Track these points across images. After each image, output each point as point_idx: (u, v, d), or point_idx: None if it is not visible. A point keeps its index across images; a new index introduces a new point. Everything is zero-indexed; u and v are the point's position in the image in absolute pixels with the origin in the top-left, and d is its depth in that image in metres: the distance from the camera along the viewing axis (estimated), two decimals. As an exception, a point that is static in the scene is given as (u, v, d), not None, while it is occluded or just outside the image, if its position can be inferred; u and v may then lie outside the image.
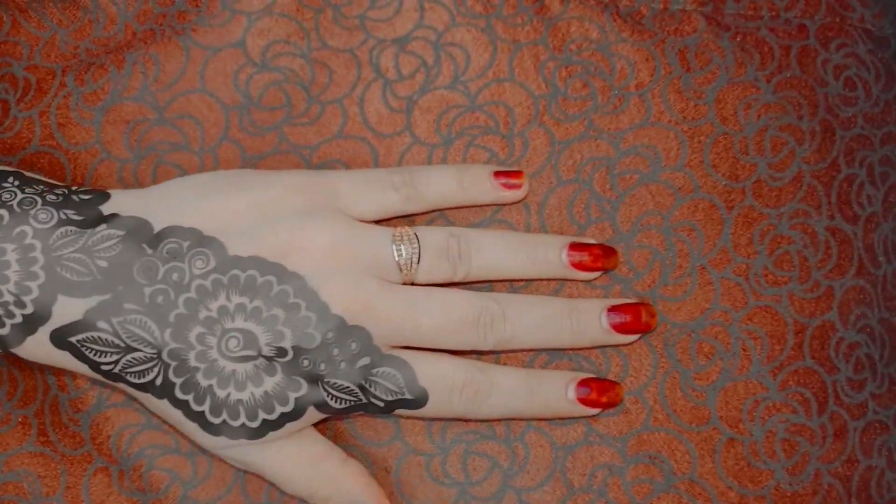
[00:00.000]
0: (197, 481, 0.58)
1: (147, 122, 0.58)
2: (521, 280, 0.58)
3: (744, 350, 0.58)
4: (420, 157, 0.58)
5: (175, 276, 0.54)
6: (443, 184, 0.57)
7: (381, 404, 0.55)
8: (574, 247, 0.57)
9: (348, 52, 0.58)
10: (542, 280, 0.58)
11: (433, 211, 0.58)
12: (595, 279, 0.58)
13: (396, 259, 0.55)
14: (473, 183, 0.57)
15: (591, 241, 0.58)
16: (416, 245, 0.56)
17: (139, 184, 0.58)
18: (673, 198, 0.58)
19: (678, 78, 0.59)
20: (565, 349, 0.57)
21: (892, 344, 0.62)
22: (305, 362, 0.55)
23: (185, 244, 0.54)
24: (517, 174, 0.57)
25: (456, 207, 0.58)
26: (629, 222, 0.58)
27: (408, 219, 0.58)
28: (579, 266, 0.57)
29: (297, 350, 0.54)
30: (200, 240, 0.54)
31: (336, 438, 0.58)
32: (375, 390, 0.55)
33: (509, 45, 0.58)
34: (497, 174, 0.57)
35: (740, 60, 0.60)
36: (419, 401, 0.55)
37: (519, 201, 0.58)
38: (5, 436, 0.60)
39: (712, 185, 0.59)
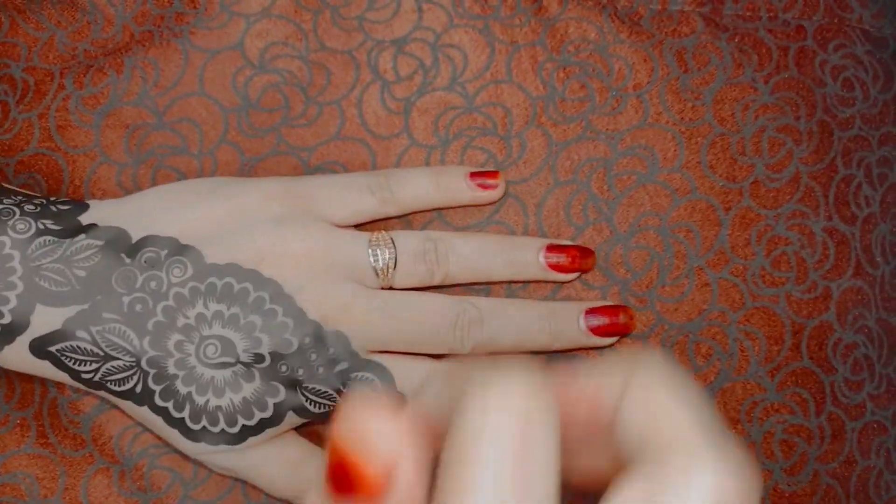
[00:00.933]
0: (198, 482, 0.58)
1: (146, 127, 0.58)
2: (503, 282, 0.58)
3: (741, 351, 0.58)
4: (418, 158, 0.58)
5: (153, 284, 0.54)
6: (418, 186, 0.57)
7: None
8: (551, 248, 0.57)
9: (346, 54, 0.58)
10: (537, 283, 0.58)
11: (411, 213, 0.58)
12: (592, 281, 0.58)
13: (373, 264, 0.56)
14: (449, 184, 0.57)
15: (568, 242, 0.57)
16: (392, 250, 0.56)
17: (138, 188, 0.58)
18: (670, 199, 0.58)
19: (676, 79, 0.59)
20: (545, 352, 0.57)
21: (890, 344, 0.62)
22: (283, 368, 0.55)
23: (163, 253, 0.55)
24: (493, 174, 0.57)
25: (436, 209, 0.58)
26: (627, 223, 0.58)
27: (404, 220, 0.58)
28: (556, 268, 0.57)
29: (275, 356, 0.55)
30: (178, 248, 0.55)
31: (334, 439, 0.58)
32: None
33: (507, 47, 0.58)
34: (473, 175, 0.57)
35: (738, 61, 0.59)
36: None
37: (495, 201, 0.58)
38: (3, 437, 0.60)
39: (710, 186, 0.59)
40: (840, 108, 0.61)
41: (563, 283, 0.58)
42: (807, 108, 0.60)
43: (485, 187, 0.57)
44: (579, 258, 0.57)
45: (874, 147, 0.62)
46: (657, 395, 0.36)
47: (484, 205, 0.58)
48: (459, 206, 0.58)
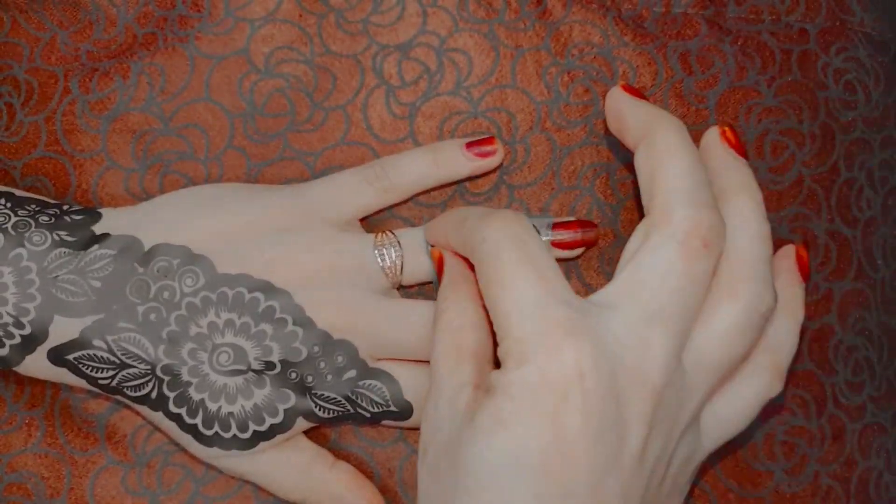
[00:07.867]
0: (209, 478, 0.59)
1: (153, 133, 0.58)
2: None
3: (744, 354, 0.59)
4: (423, 162, 0.58)
5: (166, 294, 0.55)
6: (416, 167, 0.57)
7: (368, 415, 0.56)
8: (556, 226, 0.57)
9: (351, 58, 0.58)
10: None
11: (413, 197, 0.58)
12: (595, 284, 0.58)
13: (381, 265, 0.56)
14: (448, 159, 0.57)
15: (571, 218, 0.57)
16: (398, 248, 0.56)
17: (146, 193, 0.58)
18: (674, 202, 0.59)
19: (680, 82, 0.59)
20: None
21: (890, 346, 0.62)
22: (293, 375, 0.55)
23: (175, 262, 0.55)
24: (489, 141, 0.57)
25: (439, 188, 0.58)
26: (631, 227, 0.58)
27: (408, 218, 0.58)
28: (561, 245, 0.57)
29: (285, 364, 0.55)
30: (190, 258, 0.55)
31: (340, 439, 0.59)
32: (362, 402, 0.56)
33: (511, 51, 0.58)
34: (469, 145, 0.57)
35: (741, 64, 0.60)
36: (404, 413, 0.56)
37: (495, 169, 0.58)
38: (10, 437, 0.60)
39: None
40: (842, 112, 0.61)
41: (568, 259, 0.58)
42: (809, 112, 0.61)
43: (483, 155, 0.57)
44: (581, 232, 0.57)
45: (876, 150, 0.62)
46: (660, 154, 0.51)
47: (486, 174, 0.57)
48: (462, 180, 0.58)
